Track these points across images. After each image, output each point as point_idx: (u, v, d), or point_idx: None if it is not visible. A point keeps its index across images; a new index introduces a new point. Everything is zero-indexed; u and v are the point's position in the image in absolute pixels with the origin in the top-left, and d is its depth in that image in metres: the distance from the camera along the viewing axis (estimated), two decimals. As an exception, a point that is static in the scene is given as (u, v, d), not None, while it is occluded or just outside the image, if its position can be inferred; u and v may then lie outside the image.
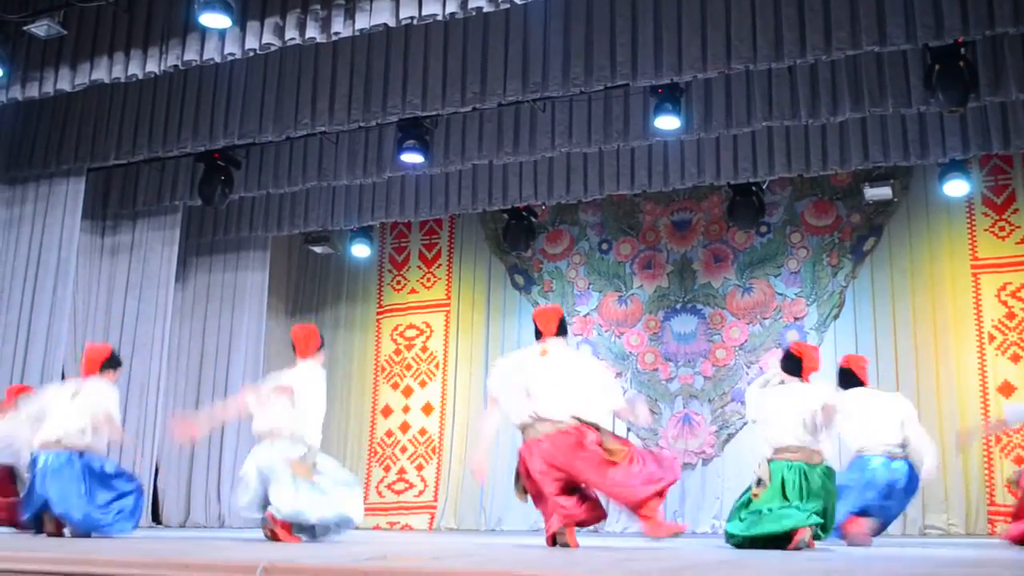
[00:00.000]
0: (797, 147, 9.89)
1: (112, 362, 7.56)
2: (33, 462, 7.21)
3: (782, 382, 6.92)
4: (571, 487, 5.89)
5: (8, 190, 10.56)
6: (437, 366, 13.27)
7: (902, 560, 4.64)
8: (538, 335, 6.26)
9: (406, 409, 13.28)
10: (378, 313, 13.80)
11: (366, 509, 12.86)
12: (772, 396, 6.76)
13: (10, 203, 10.55)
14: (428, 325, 13.46)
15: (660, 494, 5.88)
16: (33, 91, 9.09)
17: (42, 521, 7.22)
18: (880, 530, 7.79)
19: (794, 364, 6.78)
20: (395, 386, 13.46)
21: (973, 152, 9.57)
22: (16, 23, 8.70)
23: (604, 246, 12.67)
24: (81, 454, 7.20)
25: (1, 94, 9.16)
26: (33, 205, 10.46)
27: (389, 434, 13.28)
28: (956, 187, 10.61)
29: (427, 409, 13.20)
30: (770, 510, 6.25)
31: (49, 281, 10.19)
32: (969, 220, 11.07)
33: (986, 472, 10.42)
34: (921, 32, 7.53)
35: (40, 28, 8.60)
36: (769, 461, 6.45)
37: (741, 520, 6.39)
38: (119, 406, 7.55)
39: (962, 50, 8.09)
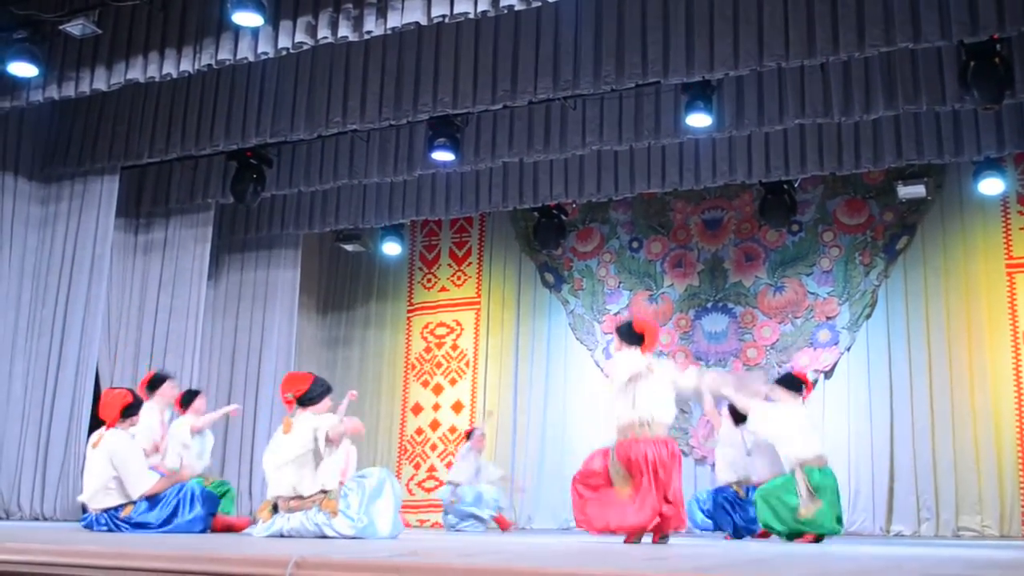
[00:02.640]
0: (829, 145, 9.82)
1: (131, 409, 7.30)
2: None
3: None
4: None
5: (43, 188, 10.67)
6: (467, 364, 13.30)
7: (936, 560, 4.60)
8: (638, 343, 6.71)
9: (436, 407, 13.32)
10: (408, 311, 13.84)
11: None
12: (794, 411, 8.07)
13: (45, 201, 10.66)
14: (458, 323, 13.48)
15: None
16: (68, 90, 9.17)
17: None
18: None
19: (798, 385, 8.22)
20: (425, 384, 13.49)
21: (1008, 150, 9.47)
22: (52, 23, 8.78)
23: (635, 244, 12.64)
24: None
25: (37, 93, 9.24)
26: (68, 203, 10.57)
27: (419, 432, 13.31)
28: (991, 185, 10.51)
29: (457, 407, 13.22)
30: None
31: (84, 278, 10.30)
32: (1004, 219, 10.96)
33: (1020, 473, 10.31)
34: (956, 28, 7.45)
35: (75, 27, 8.67)
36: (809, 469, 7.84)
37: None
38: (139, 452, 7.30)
39: (997, 47, 8.00)
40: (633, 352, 6.74)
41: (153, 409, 8.24)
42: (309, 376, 6.67)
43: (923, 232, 11.32)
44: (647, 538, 6.58)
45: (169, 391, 8.51)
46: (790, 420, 7.99)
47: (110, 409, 7.19)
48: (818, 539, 7.78)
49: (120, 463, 6.98)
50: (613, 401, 6.73)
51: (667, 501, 6.52)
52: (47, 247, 10.48)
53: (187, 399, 8.66)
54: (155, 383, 8.47)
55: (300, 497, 6.21)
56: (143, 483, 7.05)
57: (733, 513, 9.09)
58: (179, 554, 3.68)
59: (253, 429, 11.86)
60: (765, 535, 8.73)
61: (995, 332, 10.75)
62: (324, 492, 6.23)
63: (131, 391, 7.50)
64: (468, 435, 11.27)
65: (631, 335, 6.79)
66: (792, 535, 7.90)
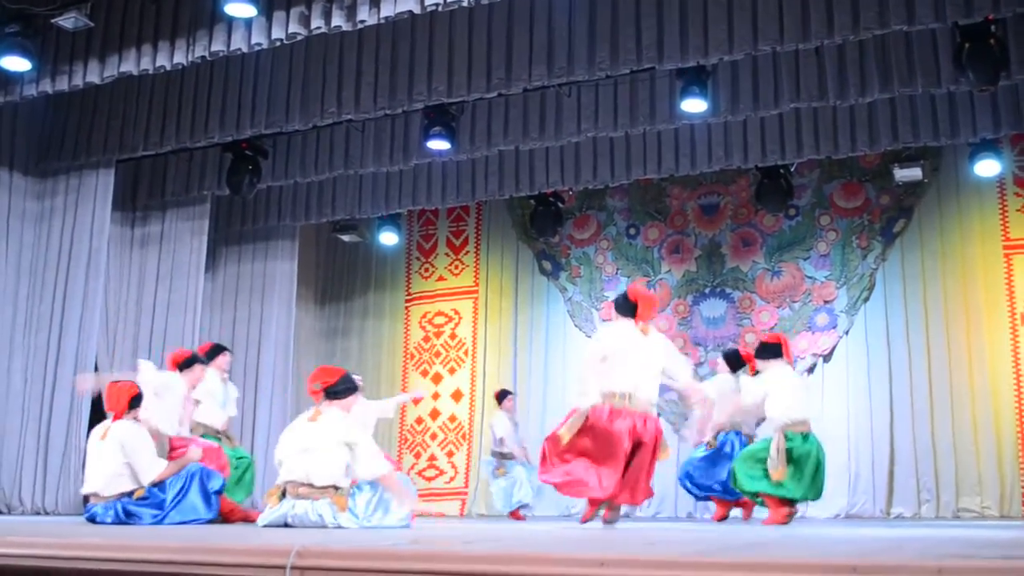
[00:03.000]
0: (825, 129, 9.81)
1: (137, 400, 7.33)
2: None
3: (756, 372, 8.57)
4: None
5: (39, 183, 10.65)
6: (466, 353, 13.31)
7: (936, 541, 4.61)
8: (631, 313, 6.58)
9: (436, 396, 13.33)
10: (406, 300, 13.84)
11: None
12: (785, 375, 8.10)
13: (41, 196, 10.64)
14: (456, 312, 13.49)
15: None
16: (62, 84, 9.13)
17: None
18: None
19: (771, 349, 8.16)
20: (424, 373, 13.51)
21: (1004, 131, 9.48)
22: (44, 16, 8.74)
23: (632, 231, 12.64)
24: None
25: (30, 87, 9.21)
26: (64, 197, 10.55)
27: (419, 421, 13.32)
28: (987, 167, 10.50)
29: (456, 396, 13.24)
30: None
31: (80, 272, 10.28)
32: (1000, 200, 10.96)
33: (1020, 454, 10.34)
34: (950, 10, 7.44)
35: (67, 21, 8.63)
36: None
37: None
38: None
39: (992, 28, 7.99)
40: (626, 323, 6.66)
41: (214, 376, 8.67)
42: (340, 371, 6.72)
43: (920, 215, 11.33)
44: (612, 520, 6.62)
45: (223, 362, 8.96)
46: (777, 382, 8.05)
47: (117, 401, 7.20)
48: (791, 504, 7.88)
49: (131, 451, 7.02)
50: (594, 366, 6.62)
51: (629, 474, 6.47)
52: (43, 242, 10.46)
53: (212, 353, 8.91)
54: (213, 352, 8.89)
55: (310, 486, 6.22)
56: (153, 470, 7.08)
57: (707, 482, 9.13)
58: (182, 545, 3.69)
59: (253, 421, 11.86)
60: (745, 504, 8.77)
61: (993, 314, 10.76)
62: (336, 488, 6.23)
63: (135, 383, 7.51)
64: (498, 397, 11.17)
65: (625, 305, 6.72)
66: (762, 496, 7.97)
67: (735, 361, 9.48)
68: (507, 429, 10.91)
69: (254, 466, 9.16)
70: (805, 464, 7.83)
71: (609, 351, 6.56)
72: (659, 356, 6.70)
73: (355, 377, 6.94)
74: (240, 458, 8.82)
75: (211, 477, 7.35)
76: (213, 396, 8.74)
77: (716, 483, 9.09)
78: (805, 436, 7.93)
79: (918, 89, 8.64)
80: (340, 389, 6.54)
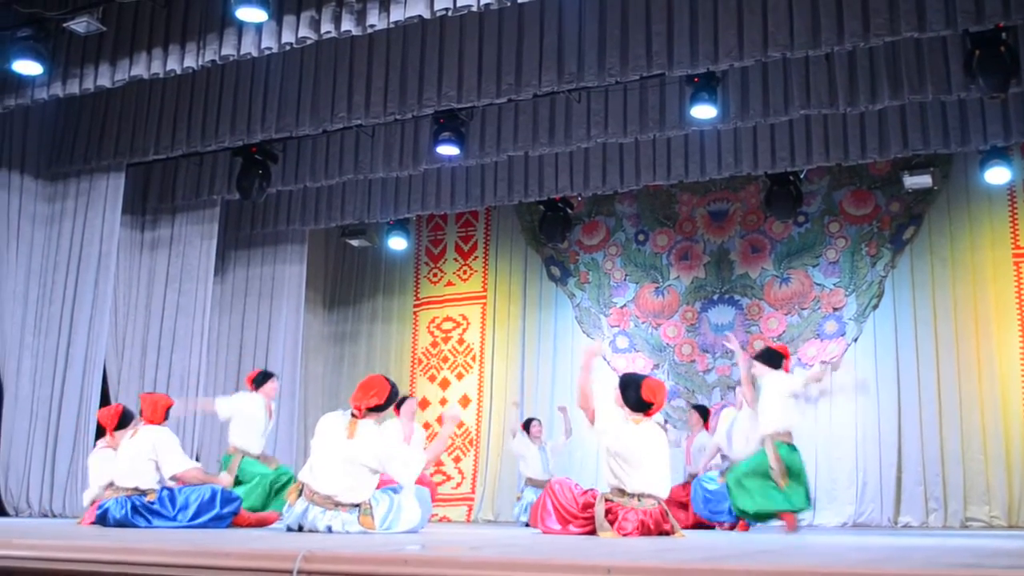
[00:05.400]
0: (835, 135, 9.79)
1: (168, 412, 7.57)
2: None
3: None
4: None
5: (50, 186, 10.69)
6: (474, 358, 13.30)
7: (944, 550, 4.60)
8: (646, 408, 6.32)
9: (443, 402, 13.32)
10: (415, 306, 13.84)
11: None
12: (775, 384, 8.04)
13: (52, 199, 10.68)
14: (465, 317, 13.49)
15: None
16: (73, 88, 9.17)
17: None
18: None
19: (774, 357, 8.13)
20: (432, 379, 13.51)
21: (1015, 139, 9.43)
22: (56, 20, 8.78)
23: (640, 237, 12.63)
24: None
25: (41, 91, 9.25)
26: (74, 200, 10.59)
27: (426, 426, 13.29)
28: (997, 174, 10.47)
29: (464, 401, 13.23)
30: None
31: (90, 275, 10.32)
32: (1011, 208, 10.92)
33: (1029, 463, 10.31)
34: (961, 17, 7.42)
35: (79, 25, 8.68)
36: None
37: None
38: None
39: (1003, 35, 7.97)
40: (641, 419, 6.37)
41: (259, 401, 8.96)
42: (384, 385, 6.29)
43: (930, 222, 11.29)
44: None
45: (271, 388, 9.15)
46: (770, 392, 8.01)
47: (154, 411, 7.41)
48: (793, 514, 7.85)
49: (161, 445, 7.19)
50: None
51: None
52: (54, 245, 10.51)
53: (261, 379, 9.11)
54: (261, 380, 9.10)
55: (331, 500, 6.07)
56: (180, 464, 7.24)
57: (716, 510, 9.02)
58: (188, 549, 3.69)
59: (261, 424, 11.87)
60: (743, 527, 8.70)
61: (1002, 322, 10.72)
62: (356, 505, 6.08)
63: (170, 397, 7.81)
64: (526, 427, 10.89)
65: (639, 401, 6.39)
66: (764, 516, 7.91)
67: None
68: (535, 462, 10.70)
69: (294, 481, 9.22)
70: (794, 474, 7.84)
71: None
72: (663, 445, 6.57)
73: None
74: (282, 473, 8.84)
75: (226, 500, 7.33)
76: (255, 422, 8.88)
77: (725, 511, 8.98)
78: (791, 447, 7.93)
79: (928, 96, 8.63)
80: (384, 406, 6.26)
